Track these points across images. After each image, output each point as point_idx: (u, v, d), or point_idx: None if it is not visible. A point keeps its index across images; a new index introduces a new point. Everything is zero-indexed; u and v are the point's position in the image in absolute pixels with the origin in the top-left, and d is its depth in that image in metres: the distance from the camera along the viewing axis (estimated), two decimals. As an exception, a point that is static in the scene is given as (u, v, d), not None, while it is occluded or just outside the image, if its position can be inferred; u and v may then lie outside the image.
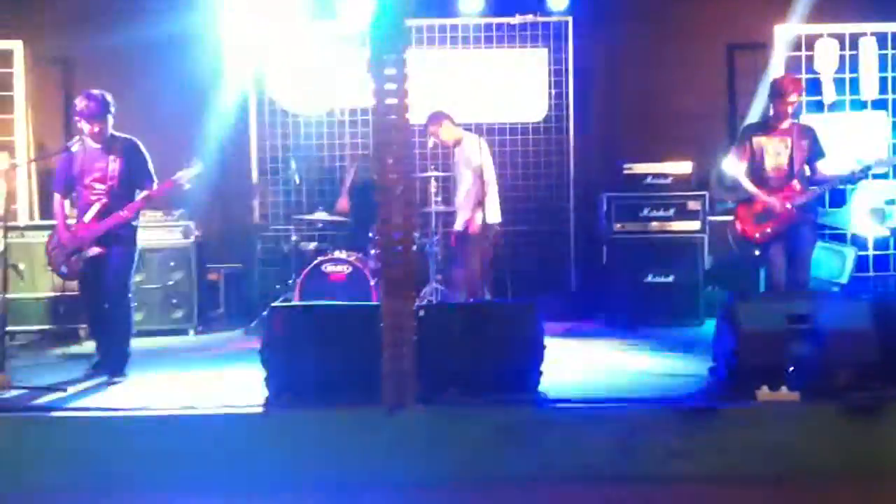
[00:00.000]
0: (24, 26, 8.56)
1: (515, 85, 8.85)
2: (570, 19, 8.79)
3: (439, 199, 7.92)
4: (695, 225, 7.83)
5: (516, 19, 8.70)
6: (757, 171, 6.61)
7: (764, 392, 4.98)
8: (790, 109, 6.54)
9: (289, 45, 8.73)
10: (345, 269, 7.56)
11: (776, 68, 8.24)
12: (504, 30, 8.79)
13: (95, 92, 6.09)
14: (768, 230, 6.54)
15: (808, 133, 6.65)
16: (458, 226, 7.62)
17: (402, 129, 5.10)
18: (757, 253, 6.69)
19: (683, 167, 7.96)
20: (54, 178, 6.36)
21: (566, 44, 8.81)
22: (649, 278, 7.83)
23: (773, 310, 5.23)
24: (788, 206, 6.48)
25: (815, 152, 6.58)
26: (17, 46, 8.46)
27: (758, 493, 4.49)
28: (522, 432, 4.75)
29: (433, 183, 7.84)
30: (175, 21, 8.81)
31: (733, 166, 6.69)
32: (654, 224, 7.92)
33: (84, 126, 6.06)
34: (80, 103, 6.06)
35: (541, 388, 5.28)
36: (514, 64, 8.85)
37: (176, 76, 8.85)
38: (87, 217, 6.07)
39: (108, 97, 6.10)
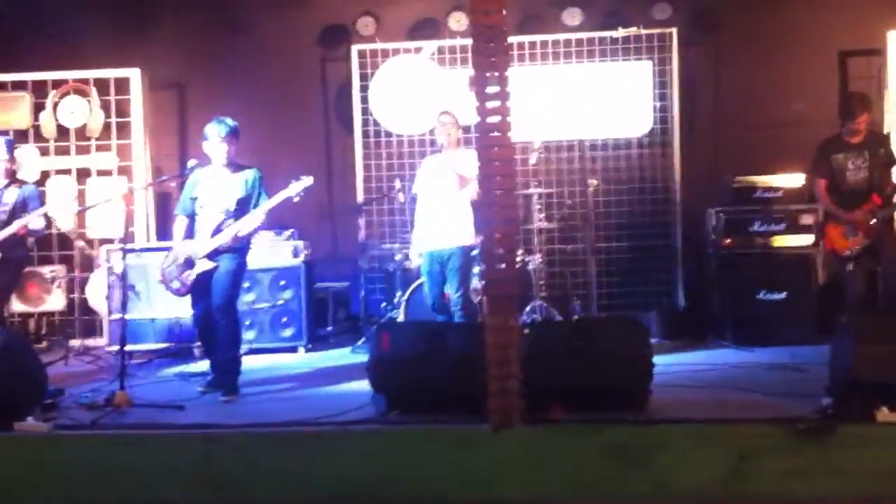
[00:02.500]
0: (140, 53, 8.92)
1: (619, 99, 8.74)
2: (674, 30, 8.65)
3: (542, 215, 7.88)
4: (808, 239, 7.58)
5: (619, 32, 8.61)
6: (837, 188, 6.72)
7: (884, 413, 4.79)
8: (862, 127, 6.63)
9: (392, 65, 8.83)
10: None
11: (891, 74, 7.98)
12: (607, 43, 8.71)
13: (228, 119, 6.36)
14: (856, 247, 6.60)
15: (883, 141, 6.87)
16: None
17: (504, 146, 5.11)
18: (849, 268, 6.68)
19: (795, 179, 7.74)
20: (177, 199, 6.60)
21: (670, 55, 8.68)
22: (761, 295, 7.61)
23: (893, 326, 5.03)
24: (872, 221, 6.48)
25: (887, 160, 6.71)
26: (134, 74, 8.81)
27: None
28: (631, 452, 4.67)
29: (536, 200, 7.82)
30: (282, 43, 9.10)
31: (814, 184, 6.86)
32: (765, 239, 7.71)
33: (218, 149, 6.29)
34: (215, 126, 6.30)
35: (649, 406, 5.20)
36: (617, 77, 8.76)
37: (284, 98, 9.11)
38: (203, 235, 6.27)
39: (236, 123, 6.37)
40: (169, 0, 9.19)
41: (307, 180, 6.33)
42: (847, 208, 6.64)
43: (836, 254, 6.74)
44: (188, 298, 6.47)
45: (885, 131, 7.84)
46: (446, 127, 7.11)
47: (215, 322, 6.30)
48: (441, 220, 6.95)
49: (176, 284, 6.37)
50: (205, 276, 6.25)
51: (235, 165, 6.39)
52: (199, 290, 6.30)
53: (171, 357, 7.81)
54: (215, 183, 6.35)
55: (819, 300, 7.55)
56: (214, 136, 6.31)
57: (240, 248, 6.36)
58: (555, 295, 8.08)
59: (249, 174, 6.40)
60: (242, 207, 6.28)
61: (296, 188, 6.29)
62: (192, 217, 6.42)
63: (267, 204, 6.27)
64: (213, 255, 6.25)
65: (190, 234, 6.44)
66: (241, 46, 9.13)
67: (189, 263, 6.28)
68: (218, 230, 6.24)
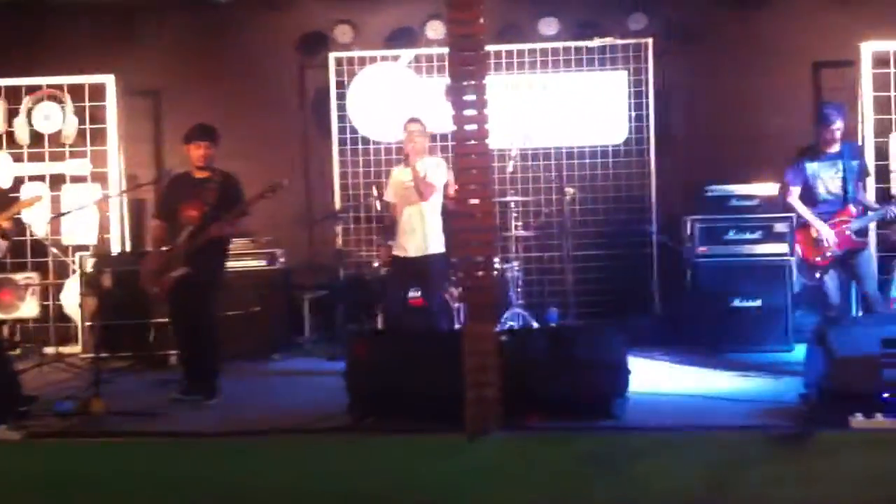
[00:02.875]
0: (115, 60, 8.86)
1: (595, 108, 8.79)
2: (649, 40, 8.70)
3: (520, 223, 7.89)
4: (782, 247, 7.63)
5: (595, 42, 8.65)
6: (812, 197, 6.76)
7: (858, 419, 4.83)
8: (837, 135, 6.68)
9: (369, 72, 8.83)
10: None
11: (863, 85, 8.08)
12: (583, 53, 8.75)
13: (207, 124, 6.40)
14: (828, 254, 6.63)
15: (857, 152, 6.99)
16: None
17: (481, 154, 5.12)
18: (818, 276, 6.72)
19: (770, 188, 7.80)
20: (151, 205, 6.58)
21: (646, 65, 8.73)
22: (736, 302, 7.66)
23: (866, 334, 5.08)
24: (847, 231, 6.60)
25: (860, 171, 6.81)
26: (108, 80, 8.75)
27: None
28: (608, 459, 4.68)
29: (513, 207, 7.83)
30: (259, 50, 9.07)
31: (788, 193, 6.85)
32: (740, 247, 7.76)
33: (196, 153, 6.30)
34: (195, 131, 6.33)
35: (626, 414, 5.22)
36: (593, 87, 8.79)
37: (262, 105, 9.09)
38: (180, 240, 6.25)
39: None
40: (145, 6, 9.12)
41: (282, 181, 6.31)
42: (821, 217, 6.69)
43: (809, 262, 6.79)
44: (164, 304, 6.43)
45: (860, 142, 7.93)
46: (414, 135, 7.01)
47: (195, 327, 6.28)
48: (415, 228, 6.94)
49: (155, 289, 6.35)
50: (183, 281, 6.21)
51: (213, 170, 6.38)
52: (178, 294, 6.26)
53: (145, 364, 7.74)
54: (194, 188, 6.33)
55: (793, 308, 7.62)
56: (193, 141, 6.31)
57: (218, 253, 6.35)
58: (532, 302, 8.10)
59: (228, 179, 6.39)
60: (220, 212, 6.25)
61: (268, 187, 6.27)
62: (169, 222, 6.40)
63: (240, 207, 6.27)
64: (191, 260, 6.21)
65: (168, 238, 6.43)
66: (218, 53, 9.10)
67: (168, 268, 6.24)
68: (195, 234, 6.21)
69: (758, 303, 7.64)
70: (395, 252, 7.03)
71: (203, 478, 4.69)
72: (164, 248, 6.37)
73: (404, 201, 6.97)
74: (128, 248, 8.57)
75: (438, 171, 6.95)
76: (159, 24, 9.15)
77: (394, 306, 7.10)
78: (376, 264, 8.06)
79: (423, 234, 6.91)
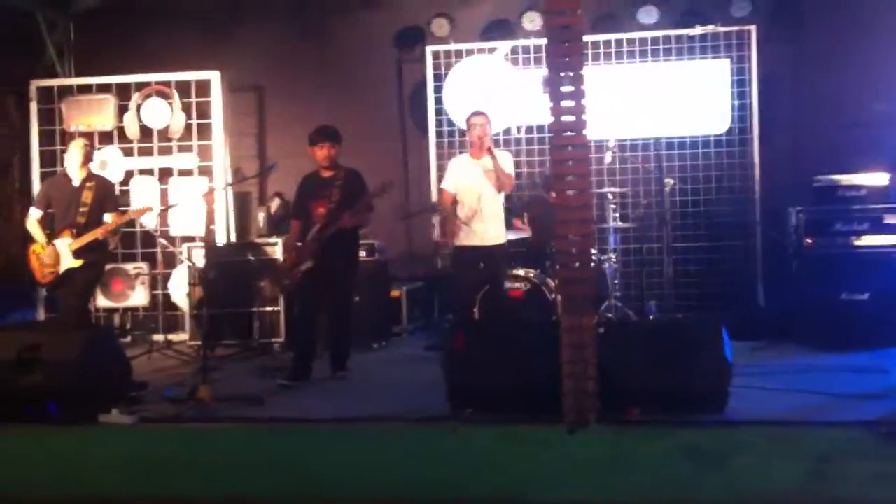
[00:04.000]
0: (220, 57, 9.10)
1: (697, 97, 8.63)
2: (753, 27, 8.50)
3: (617, 215, 7.83)
4: (892, 239, 7.38)
5: (697, 30, 8.49)
6: None
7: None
8: None
9: (466, 65, 8.86)
10: (523, 286, 7.58)
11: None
12: (684, 41, 8.61)
13: (328, 125, 6.79)
14: None
15: None
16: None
17: (579, 146, 5.10)
18: None
19: (879, 178, 7.53)
20: (255, 199, 6.84)
21: (749, 52, 8.53)
22: (843, 296, 7.43)
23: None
24: None
25: None
26: (214, 76, 8.99)
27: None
28: (709, 454, 4.61)
29: (610, 199, 7.77)
30: (358, 46, 9.20)
31: None
32: (848, 239, 7.53)
33: (321, 154, 6.67)
34: (318, 133, 6.70)
35: (728, 408, 5.13)
36: (695, 76, 8.64)
37: (361, 100, 9.22)
38: (309, 237, 6.64)
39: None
40: (248, 5, 9.37)
41: (391, 181, 6.77)
42: None
43: None
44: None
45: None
46: (481, 128, 6.83)
47: (333, 312, 6.80)
48: (492, 216, 6.87)
49: (287, 281, 7.04)
50: (312, 273, 6.60)
51: (338, 167, 6.74)
52: (307, 285, 6.70)
53: (251, 352, 7.96)
54: (321, 187, 6.70)
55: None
56: (318, 143, 6.68)
57: (350, 244, 6.81)
58: (630, 295, 8.02)
59: (352, 175, 6.75)
60: (345, 207, 6.57)
61: (381, 187, 6.67)
62: (302, 219, 6.80)
63: (365, 200, 6.66)
64: (321, 253, 6.54)
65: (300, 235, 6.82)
66: (318, 50, 9.27)
67: (299, 262, 6.67)
68: (323, 230, 6.57)
69: (866, 296, 7.40)
70: (467, 241, 6.90)
71: (306, 464, 4.80)
72: (297, 244, 6.79)
73: (474, 192, 6.88)
74: (233, 240, 8.79)
75: (510, 163, 6.98)
76: (262, 22, 9.36)
77: (468, 294, 7.14)
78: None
79: (500, 222, 6.94)
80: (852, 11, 8.45)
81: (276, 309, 8.07)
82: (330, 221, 6.59)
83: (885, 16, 8.35)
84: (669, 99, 8.65)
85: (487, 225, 6.85)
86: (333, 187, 6.66)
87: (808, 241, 7.59)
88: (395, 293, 8.61)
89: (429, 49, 9.03)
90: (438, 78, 8.98)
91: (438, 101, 8.96)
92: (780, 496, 4.22)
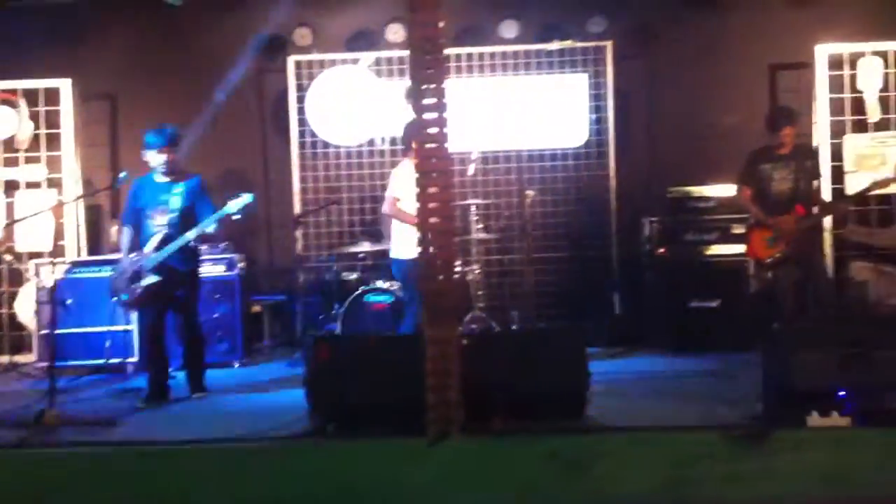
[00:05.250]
0: (71, 64, 8.73)
1: (556, 110, 8.81)
2: (609, 43, 8.74)
3: (480, 226, 7.89)
4: (740, 248, 7.69)
5: (555, 45, 8.65)
6: (763, 197, 6.99)
7: (815, 418, 4.88)
8: (787, 139, 6.94)
9: (328, 75, 8.78)
10: (387, 299, 7.55)
11: (818, 87, 8.20)
12: (543, 56, 8.77)
13: (167, 125, 6.45)
14: (777, 254, 6.87)
15: (810, 153, 7.34)
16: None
17: (442, 157, 5.10)
18: (769, 275, 6.98)
19: (728, 189, 7.87)
20: (107, 211, 6.55)
21: (606, 67, 8.77)
22: (694, 303, 7.71)
23: (823, 334, 5.14)
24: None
25: (813, 172, 7.11)
26: (64, 84, 8.62)
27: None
28: (571, 460, 4.69)
29: (474, 210, 7.83)
30: (218, 54, 8.97)
31: (740, 192, 7.16)
32: (698, 248, 7.82)
33: (156, 157, 6.28)
34: (153, 135, 6.33)
35: (587, 414, 5.22)
36: (553, 89, 8.82)
37: (220, 109, 9.00)
38: (148, 247, 6.28)
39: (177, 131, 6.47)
40: (101, 9, 8.99)
41: (246, 197, 6.33)
42: (771, 217, 6.86)
43: (758, 261, 7.01)
44: (120, 313, 6.45)
45: (815, 144, 8.04)
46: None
47: (183, 335, 6.55)
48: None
49: (125, 297, 6.41)
50: (153, 288, 6.25)
51: (178, 173, 6.39)
52: (149, 302, 6.34)
53: (102, 373, 7.62)
54: (158, 192, 6.35)
55: (751, 308, 7.68)
56: (154, 145, 6.31)
57: (192, 259, 6.49)
58: (493, 305, 8.10)
59: (192, 182, 6.40)
60: (187, 216, 6.28)
61: (235, 205, 6.29)
62: (137, 227, 6.43)
63: (206, 223, 6.27)
64: (161, 268, 6.19)
65: (136, 244, 6.46)
66: (175, 57, 8.98)
67: (137, 276, 6.28)
68: (164, 242, 6.21)
69: (716, 303, 7.70)
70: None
71: (161, 486, 4.62)
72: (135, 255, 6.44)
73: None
74: (83, 255, 8.42)
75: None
76: (116, 27, 9.01)
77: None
78: (336, 268, 8.02)
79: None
80: (703, 30, 8.78)
81: (128, 328, 7.72)
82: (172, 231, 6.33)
83: (734, 34, 8.72)
84: (529, 112, 8.78)
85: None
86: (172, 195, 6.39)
87: (661, 249, 7.85)
88: (255, 308, 8.44)
89: (291, 59, 8.91)
90: (301, 88, 8.86)
91: (301, 111, 8.83)
92: (640, 499, 4.33)
